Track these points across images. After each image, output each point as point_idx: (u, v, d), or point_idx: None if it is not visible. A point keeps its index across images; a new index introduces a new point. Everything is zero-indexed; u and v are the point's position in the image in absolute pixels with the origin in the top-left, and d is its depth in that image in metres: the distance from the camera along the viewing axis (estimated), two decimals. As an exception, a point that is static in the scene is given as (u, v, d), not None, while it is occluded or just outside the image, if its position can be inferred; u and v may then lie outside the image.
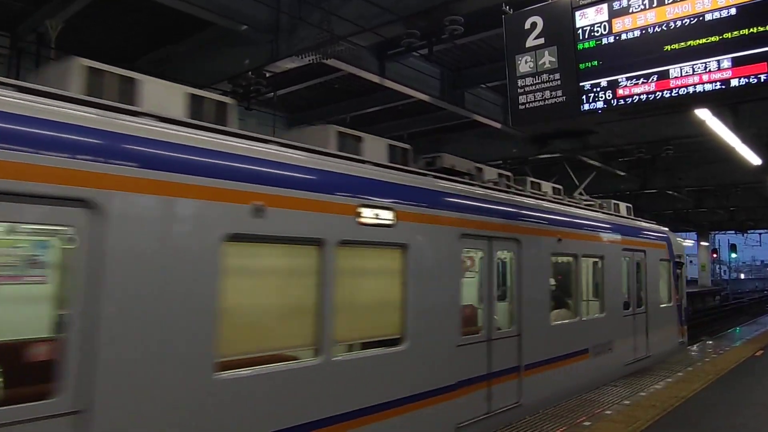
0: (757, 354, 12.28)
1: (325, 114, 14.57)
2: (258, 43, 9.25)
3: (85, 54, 4.47)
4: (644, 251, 11.58)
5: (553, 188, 10.14)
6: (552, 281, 8.73)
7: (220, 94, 8.72)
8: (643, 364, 10.86)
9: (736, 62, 5.03)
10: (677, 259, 13.47)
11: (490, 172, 8.45)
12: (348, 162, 5.53)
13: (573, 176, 12.25)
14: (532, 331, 7.68)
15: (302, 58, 8.77)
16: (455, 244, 6.47)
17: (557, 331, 8.44)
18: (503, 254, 7.70)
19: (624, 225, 11.32)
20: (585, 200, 11.03)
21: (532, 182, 9.46)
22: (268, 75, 9.73)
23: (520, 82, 6.31)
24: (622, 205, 12.47)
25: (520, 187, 8.76)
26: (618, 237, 10.62)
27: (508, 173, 8.80)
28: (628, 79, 5.60)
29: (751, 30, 4.95)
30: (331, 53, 8.57)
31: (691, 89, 5.28)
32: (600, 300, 9.92)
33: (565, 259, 9.22)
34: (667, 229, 13.76)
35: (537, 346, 7.77)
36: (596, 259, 9.93)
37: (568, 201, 9.87)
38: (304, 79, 11.72)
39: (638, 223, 12.27)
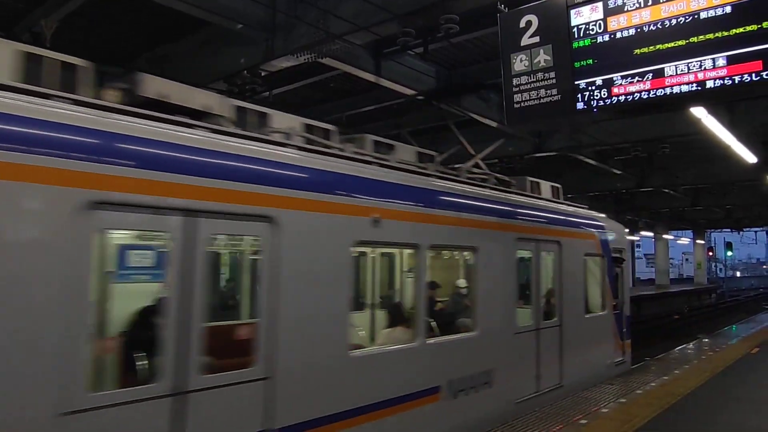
0: (753, 352, 12.31)
1: (322, 113, 14.55)
2: (254, 41, 9.25)
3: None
4: (558, 242, 8.65)
5: (420, 154, 7.63)
6: (382, 286, 6.78)
7: (215, 93, 8.67)
8: (549, 397, 8.01)
9: (731, 60, 5.03)
10: (616, 255, 10.56)
11: (285, 120, 5.80)
12: None
13: (466, 144, 9.26)
14: (303, 371, 4.76)
15: (298, 57, 8.77)
16: (76, 221, 3.55)
17: (366, 366, 5.38)
18: (232, 243, 5.28)
19: (521, 206, 8.24)
20: (479, 173, 8.35)
21: (377, 142, 6.93)
22: (263, 74, 9.72)
23: (515, 81, 6.30)
24: (545, 184, 9.89)
25: (339, 147, 6.05)
26: (508, 222, 7.65)
27: (332, 127, 6.34)
28: (623, 77, 5.60)
29: (746, 28, 4.95)
30: (326, 52, 8.56)
31: (686, 87, 5.28)
32: (471, 312, 7.09)
33: (397, 251, 6.84)
34: (603, 216, 10.89)
35: (315, 393, 4.88)
36: (463, 253, 7.34)
37: (437, 171, 7.17)
38: (300, 78, 11.72)
39: (553, 205, 9.34)
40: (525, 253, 8.12)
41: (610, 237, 10.39)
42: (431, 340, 6.29)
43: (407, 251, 6.99)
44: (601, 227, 10.27)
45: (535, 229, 8.23)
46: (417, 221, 6.14)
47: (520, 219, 8.01)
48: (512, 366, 7.46)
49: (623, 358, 10.65)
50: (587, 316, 9.49)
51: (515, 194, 8.58)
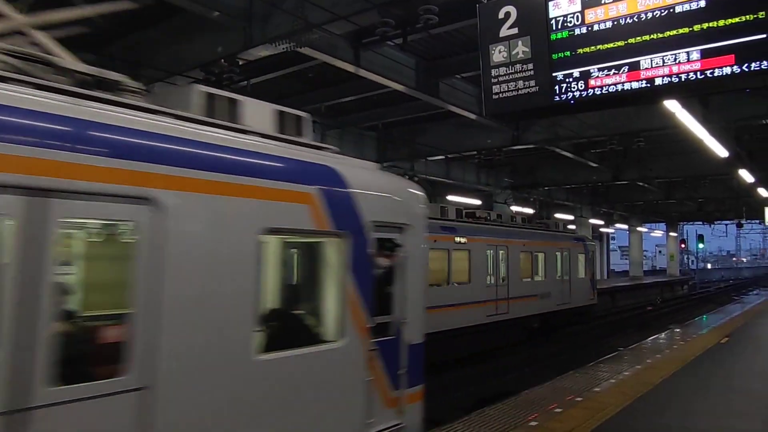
0: (723, 341, 12.59)
1: (300, 103, 14.43)
2: (231, 29, 9.12)
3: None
4: (150, 199, 3.42)
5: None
6: None
7: (192, 81, 8.53)
8: None
9: (705, 54, 5.10)
10: (386, 235, 5.22)
11: None
12: None
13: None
14: None
15: (276, 45, 8.67)
16: None
17: None
18: None
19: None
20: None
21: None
22: (241, 63, 9.60)
23: (493, 72, 6.31)
24: (260, 105, 4.67)
25: None
26: None
27: None
28: (599, 69, 5.64)
29: (720, 22, 5.02)
30: (305, 41, 8.49)
31: (660, 80, 5.34)
32: None
33: None
34: (360, 162, 5.39)
35: None
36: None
37: None
38: (278, 68, 11.61)
39: (143, 120, 3.63)
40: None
41: (366, 202, 5.06)
42: None
43: None
44: (339, 180, 4.86)
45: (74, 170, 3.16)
46: None
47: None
48: None
49: (399, 420, 5.29)
50: (269, 357, 4.24)
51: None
